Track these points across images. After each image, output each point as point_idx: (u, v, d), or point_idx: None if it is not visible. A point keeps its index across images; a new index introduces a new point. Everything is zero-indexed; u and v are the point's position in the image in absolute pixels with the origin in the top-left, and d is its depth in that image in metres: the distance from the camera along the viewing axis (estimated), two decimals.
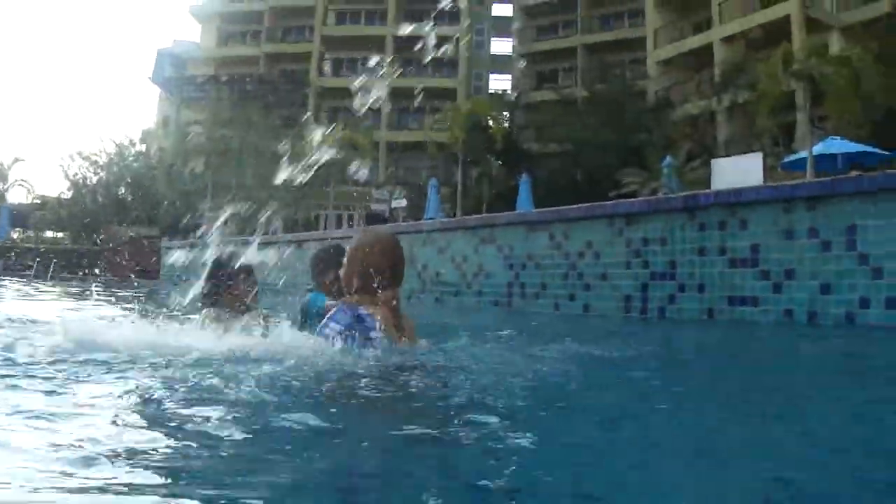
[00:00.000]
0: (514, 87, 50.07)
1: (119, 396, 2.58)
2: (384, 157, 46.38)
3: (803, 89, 21.10)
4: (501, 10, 53.65)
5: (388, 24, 50.65)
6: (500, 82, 53.95)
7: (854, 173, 15.27)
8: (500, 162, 39.46)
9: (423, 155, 47.17)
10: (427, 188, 32.19)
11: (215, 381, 2.74)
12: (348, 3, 52.28)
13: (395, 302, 3.86)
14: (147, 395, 2.63)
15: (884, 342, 6.62)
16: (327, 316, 3.65)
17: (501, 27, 52.73)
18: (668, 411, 2.79)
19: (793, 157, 21.05)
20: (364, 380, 2.98)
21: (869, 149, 19.36)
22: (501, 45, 53.75)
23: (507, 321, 9.57)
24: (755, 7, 39.27)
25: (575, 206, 10.52)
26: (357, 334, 3.51)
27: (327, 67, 52.24)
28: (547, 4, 50.50)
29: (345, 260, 3.96)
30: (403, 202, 37.79)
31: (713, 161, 19.40)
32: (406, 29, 47.05)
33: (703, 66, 39.44)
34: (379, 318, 3.63)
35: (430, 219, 28.61)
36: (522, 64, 50.36)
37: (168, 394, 2.61)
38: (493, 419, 2.27)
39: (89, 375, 2.98)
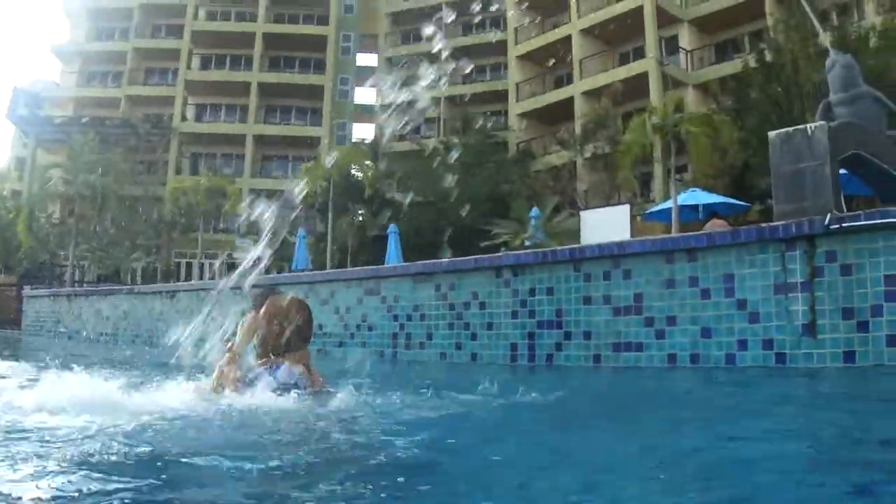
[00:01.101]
0: (377, 137, 50.57)
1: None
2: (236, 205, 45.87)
3: (667, 144, 22.22)
4: (366, 60, 54.21)
5: (254, 70, 50.27)
6: (363, 131, 54.39)
7: (719, 222, 16.20)
8: (362, 211, 39.46)
9: None
10: (290, 238, 31.91)
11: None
12: (213, 48, 51.54)
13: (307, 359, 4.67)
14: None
15: (759, 380, 7.10)
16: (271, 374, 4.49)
17: (366, 77, 53.25)
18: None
19: (655, 208, 22.11)
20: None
21: (727, 200, 20.51)
22: (365, 95, 54.22)
23: (393, 371, 9.68)
24: (614, 64, 41.27)
25: (462, 258, 10.67)
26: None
27: (190, 112, 51.19)
28: (410, 58, 51.46)
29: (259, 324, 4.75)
30: (267, 251, 37.36)
31: (582, 213, 20.15)
32: (270, 77, 46.86)
33: (565, 118, 40.96)
34: (301, 374, 4.53)
35: (298, 269, 28.39)
36: (385, 115, 51.01)
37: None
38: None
39: None
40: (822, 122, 7.94)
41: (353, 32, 52.10)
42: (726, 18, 38.31)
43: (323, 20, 51.61)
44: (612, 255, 8.86)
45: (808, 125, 7.93)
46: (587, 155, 36.07)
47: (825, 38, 12.64)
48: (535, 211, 25.36)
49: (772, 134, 8.21)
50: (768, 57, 24.24)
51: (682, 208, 21.06)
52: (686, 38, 39.76)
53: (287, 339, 4.76)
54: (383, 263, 26.44)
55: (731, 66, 35.69)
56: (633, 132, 19.59)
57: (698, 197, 21.66)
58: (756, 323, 7.56)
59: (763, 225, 7.82)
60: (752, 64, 25.74)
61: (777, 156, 8.04)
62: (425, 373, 9.18)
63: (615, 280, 8.73)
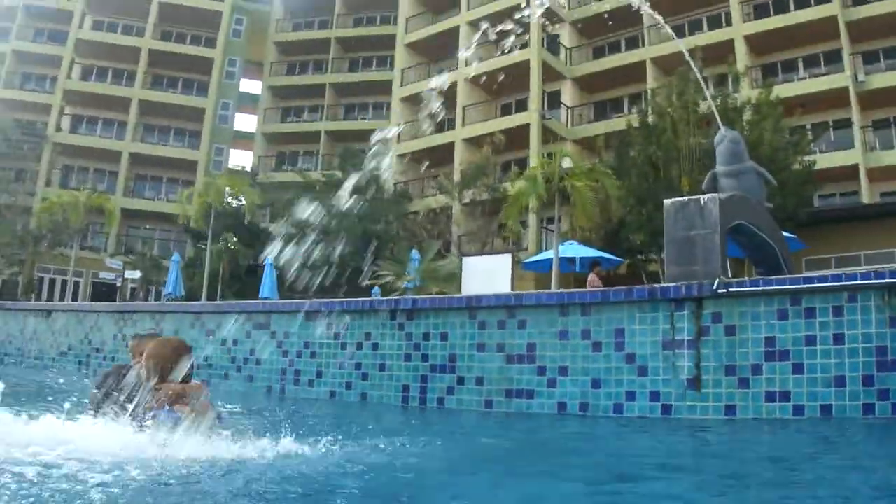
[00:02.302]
0: (254, 165, 49.83)
1: None
2: (117, 224, 44.07)
3: (552, 196, 22.83)
4: (250, 87, 53.49)
5: (136, 86, 48.83)
6: (241, 158, 53.51)
7: (596, 280, 16.83)
8: (235, 239, 38.69)
9: (160, 225, 45.62)
10: (161, 261, 31.14)
11: None
12: (96, 59, 49.79)
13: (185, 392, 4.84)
14: None
15: (647, 429, 7.47)
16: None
17: (248, 103, 52.51)
18: None
19: (534, 258, 22.70)
20: None
21: (602, 254, 21.28)
22: (246, 122, 53.42)
23: (281, 406, 9.61)
24: (496, 114, 42.24)
25: (357, 299, 10.76)
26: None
27: (66, 123, 49.12)
28: (295, 87, 51.17)
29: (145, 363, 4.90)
30: (137, 274, 36.19)
31: (464, 259, 20.47)
32: (152, 95, 45.57)
33: (445, 162, 41.45)
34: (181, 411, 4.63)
35: (170, 294, 27.64)
36: (264, 143, 50.44)
37: None
38: None
39: None
40: (714, 195, 8.48)
41: (239, 58, 51.37)
42: (607, 79, 39.96)
43: (210, 42, 50.72)
44: (507, 305, 9.13)
45: (701, 196, 8.45)
46: (465, 200, 36.53)
47: (716, 112, 13.48)
48: (415, 254, 25.58)
49: (667, 202, 8.69)
50: (650, 119, 25.40)
51: (560, 260, 21.71)
52: (568, 95, 41.11)
53: (166, 379, 4.87)
54: (257, 294, 26.08)
55: (605, 125, 37.33)
56: (528, 182, 20.07)
57: (575, 249, 22.39)
58: (644, 376, 7.97)
59: (655, 285, 8.28)
60: (635, 124, 26.86)
61: (671, 222, 8.51)
62: (318, 411, 9.19)
63: (510, 329, 9.00)
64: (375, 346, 10.01)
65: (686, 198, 8.64)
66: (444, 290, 21.07)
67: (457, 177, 38.06)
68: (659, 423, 7.67)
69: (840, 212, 27.49)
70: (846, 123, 32.13)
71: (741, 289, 7.62)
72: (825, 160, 27.65)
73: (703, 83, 15.01)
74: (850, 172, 30.58)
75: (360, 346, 10.14)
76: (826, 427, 6.83)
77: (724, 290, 7.60)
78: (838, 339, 7.08)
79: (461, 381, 9.24)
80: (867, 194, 30.56)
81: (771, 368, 7.32)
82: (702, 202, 8.30)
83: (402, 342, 9.80)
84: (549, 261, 22.38)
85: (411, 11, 46.58)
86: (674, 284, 8.05)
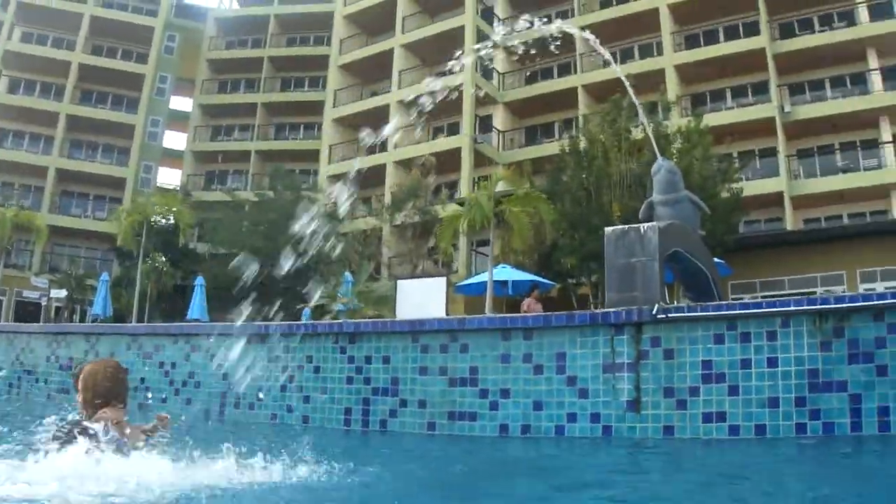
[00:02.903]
0: (183, 184, 49.12)
1: None
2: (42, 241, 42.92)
3: (489, 223, 23.01)
4: (180, 105, 52.75)
5: (65, 101, 47.76)
6: (169, 176, 52.71)
7: (534, 304, 17.08)
8: (163, 258, 38.00)
9: (87, 243, 44.65)
10: (86, 280, 30.46)
11: None
12: (24, 72, 48.57)
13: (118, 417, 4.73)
14: None
15: (586, 449, 7.73)
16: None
17: (177, 121, 51.78)
18: None
19: (467, 282, 22.90)
20: None
21: (535, 278, 21.57)
22: (175, 139, 52.64)
23: (222, 431, 9.52)
24: (427, 136, 42.47)
25: (298, 322, 10.76)
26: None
27: None
28: (227, 106, 50.69)
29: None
30: (63, 293, 35.36)
31: (399, 282, 20.59)
32: (81, 110, 44.60)
33: (376, 184, 41.52)
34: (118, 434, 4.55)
35: (98, 314, 27.05)
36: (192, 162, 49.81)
37: None
38: None
39: None
40: (654, 224, 8.75)
41: (170, 74, 50.64)
42: (539, 105, 40.63)
43: (142, 58, 49.87)
44: (450, 329, 9.24)
45: (641, 225, 8.71)
46: (396, 223, 36.62)
47: (652, 141, 13.95)
48: (348, 276, 25.54)
49: (608, 230, 8.94)
50: (582, 145, 25.89)
51: (495, 283, 21.92)
52: (500, 119, 41.65)
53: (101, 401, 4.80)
54: (185, 314, 25.74)
55: (537, 150, 37.91)
56: (470, 205, 20.23)
57: (508, 273, 22.66)
58: (585, 398, 8.16)
59: (596, 311, 8.50)
60: (567, 149, 27.30)
61: (612, 250, 8.75)
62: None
63: (452, 353, 9.11)
64: (317, 370, 10.00)
65: (626, 226, 8.89)
66: (378, 313, 21.09)
67: (388, 199, 38.18)
68: (600, 443, 7.85)
69: (765, 238, 28.41)
70: (772, 152, 33.28)
71: (679, 314, 7.87)
72: (752, 188, 28.54)
73: (640, 110, 15.34)
74: (776, 200, 31.65)
75: (301, 369, 10.12)
76: (756, 446, 7.11)
77: (664, 316, 7.84)
78: (772, 362, 7.37)
79: (404, 403, 9.29)
80: (791, 221, 31.65)
81: (708, 390, 7.57)
82: (642, 230, 8.56)
83: (344, 365, 9.82)
84: (482, 284, 22.61)
85: (346, 33, 46.70)
86: (614, 310, 8.26)
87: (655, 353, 7.91)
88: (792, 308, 7.43)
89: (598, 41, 11.80)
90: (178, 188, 47.50)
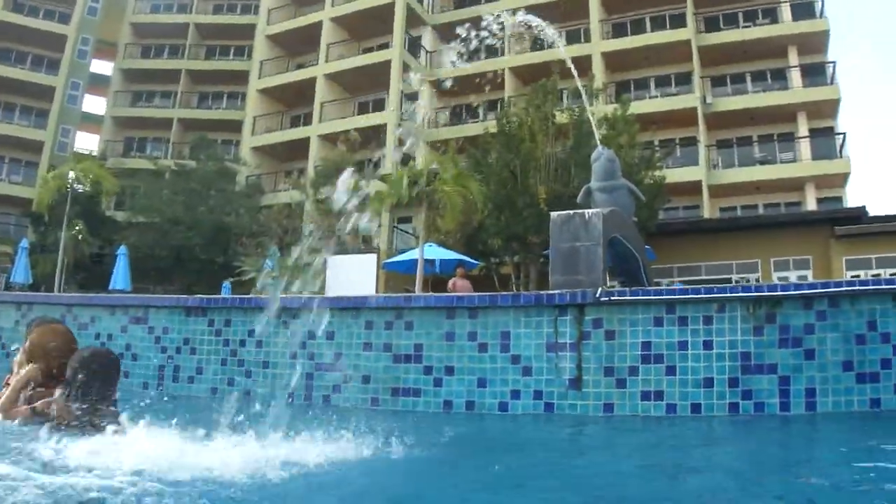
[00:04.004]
0: (102, 149, 47.81)
1: None
2: None
3: (420, 200, 23.02)
4: (101, 68, 51.14)
5: None
6: (87, 141, 51.17)
7: (461, 282, 17.35)
8: (79, 227, 37.07)
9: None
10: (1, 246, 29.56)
11: None
12: None
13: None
14: None
15: (527, 424, 8.05)
16: None
17: (97, 85, 50.22)
18: None
19: (395, 259, 23.02)
20: None
21: (461, 257, 21.82)
22: (95, 104, 51.10)
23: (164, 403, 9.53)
24: (353, 112, 42.33)
25: (244, 296, 10.76)
26: None
27: None
28: (149, 72, 49.49)
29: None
30: None
31: (329, 258, 20.49)
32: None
33: (299, 158, 41.26)
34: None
35: (16, 281, 26.27)
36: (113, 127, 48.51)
37: None
38: None
39: None
40: (598, 210, 9.09)
41: (92, 36, 48.95)
42: (465, 85, 40.84)
43: (65, 18, 48.06)
44: (396, 307, 9.42)
45: (586, 211, 9.04)
46: (320, 197, 36.42)
47: (595, 129, 14.37)
48: (272, 250, 25.41)
49: (554, 215, 9.23)
50: (508, 127, 26.14)
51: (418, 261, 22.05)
52: (426, 97, 41.78)
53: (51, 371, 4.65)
54: (108, 284, 25.26)
55: (461, 130, 38.18)
56: (393, 183, 20.31)
57: (435, 251, 22.87)
58: (528, 376, 8.45)
59: (541, 292, 8.77)
60: (492, 131, 27.54)
61: (557, 234, 9.05)
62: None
63: (397, 330, 9.29)
64: (259, 344, 10.06)
65: (572, 212, 9.19)
66: (309, 289, 21.00)
67: (312, 173, 37.98)
68: (542, 419, 8.16)
69: (683, 224, 29.27)
70: (692, 142, 34.25)
71: (621, 297, 8.21)
72: (672, 175, 29.30)
73: (584, 95, 15.70)
74: (694, 188, 32.62)
75: (243, 343, 10.17)
76: (692, 423, 7.53)
77: (606, 298, 8.17)
78: (708, 345, 7.78)
79: (347, 379, 9.44)
80: (708, 209, 32.73)
81: (647, 370, 7.94)
82: (587, 216, 8.88)
83: (286, 339, 9.90)
84: (409, 262, 22.77)
85: (274, 3, 46.13)
86: (558, 292, 8.56)
87: (597, 334, 8.24)
88: (728, 294, 7.85)
89: (548, 26, 12.00)
90: (97, 153, 46.19)
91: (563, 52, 13.68)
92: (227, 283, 27.51)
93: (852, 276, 24.33)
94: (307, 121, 42.95)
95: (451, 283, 18.52)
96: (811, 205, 32.81)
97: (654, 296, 8.17)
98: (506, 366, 8.61)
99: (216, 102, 49.99)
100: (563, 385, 8.28)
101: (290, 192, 38.61)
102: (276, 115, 45.10)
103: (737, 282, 26.75)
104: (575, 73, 14.33)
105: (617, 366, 8.10)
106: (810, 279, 25.47)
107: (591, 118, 17.32)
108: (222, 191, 39.33)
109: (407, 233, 34.25)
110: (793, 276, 26.02)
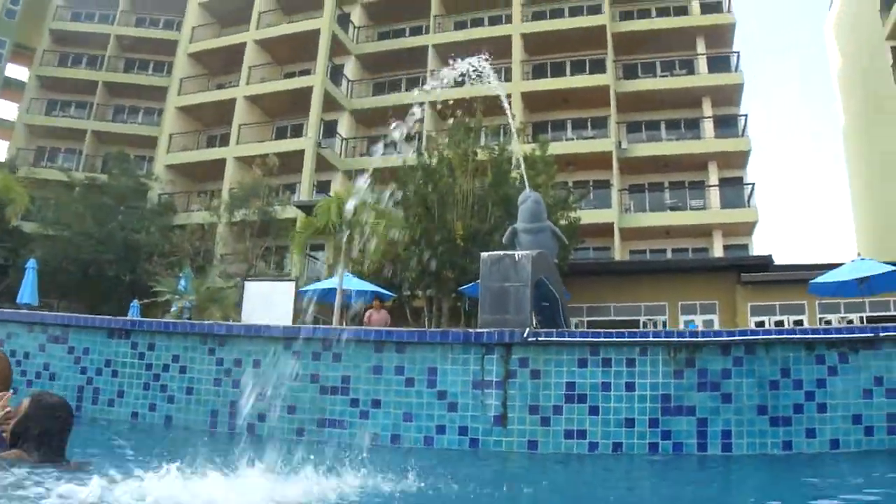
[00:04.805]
0: (11, 157, 46.11)
1: None
2: None
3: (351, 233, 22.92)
4: (15, 73, 49.49)
5: None
6: None
7: (376, 303, 17.48)
8: None
9: None
10: None
11: None
12: None
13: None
14: None
15: (453, 459, 8.13)
16: None
17: (11, 90, 48.57)
18: None
19: (310, 287, 22.93)
20: None
21: (378, 289, 21.88)
22: (5, 109, 49.41)
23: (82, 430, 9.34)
24: (271, 136, 42.11)
25: (169, 321, 10.68)
26: None
27: None
28: (66, 80, 48.16)
29: None
30: None
31: (246, 283, 20.42)
32: None
33: (214, 178, 40.76)
34: None
35: None
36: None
37: None
38: None
39: None
40: (527, 252, 9.39)
41: (8, 39, 47.32)
42: (385, 115, 41.06)
43: None
44: (325, 338, 9.51)
45: (515, 253, 9.35)
46: (235, 220, 35.99)
47: (524, 171, 14.78)
48: (186, 271, 25.03)
49: (484, 255, 9.50)
50: (428, 161, 26.39)
51: (333, 290, 21.95)
52: (345, 126, 41.86)
53: None
54: (14, 298, 24.47)
55: (378, 160, 38.28)
56: (322, 212, 20.26)
57: (349, 282, 22.84)
58: (454, 412, 8.66)
59: (469, 330, 9.00)
60: (411, 164, 27.74)
61: (487, 273, 9.31)
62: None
63: (325, 361, 9.38)
64: (183, 370, 10.00)
65: (502, 252, 9.48)
66: (226, 314, 20.83)
67: (225, 195, 37.55)
68: (467, 455, 8.34)
69: (595, 265, 29.99)
70: (606, 185, 35.21)
71: (548, 338, 8.51)
72: (586, 217, 29.95)
73: (514, 132, 16.06)
74: (606, 230, 33.49)
75: (166, 368, 10.09)
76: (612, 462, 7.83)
77: (534, 339, 8.45)
78: (630, 386, 8.14)
79: (273, 408, 9.47)
80: (619, 251, 33.62)
81: (570, 409, 8.24)
82: (516, 258, 9.18)
83: (212, 367, 9.87)
84: (325, 290, 22.67)
85: (198, 20, 45.63)
86: (487, 330, 8.80)
87: (523, 373, 8.51)
88: (650, 339, 8.24)
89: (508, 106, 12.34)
90: (6, 161, 44.59)
91: (501, 91, 13.97)
92: (135, 303, 26.93)
93: (757, 322, 25.39)
94: (224, 142, 42.46)
95: (367, 315, 18.62)
96: (718, 251, 34.09)
97: (580, 338, 8.51)
98: (432, 401, 8.80)
99: (132, 117, 48.89)
100: (488, 422, 8.50)
101: (203, 212, 38.02)
102: (192, 133, 44.46)
103: (644, 324, 27.54)
104: (509, 112, 14.72)
105: (542, 404, 8.38)
106: (716, 323, 26.44)
107: (520, 160, 17.76)
108: (134, 207, 38.55)
109: (317, 259, 34.12)
110: (699, 319, 26.94)
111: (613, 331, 8.59)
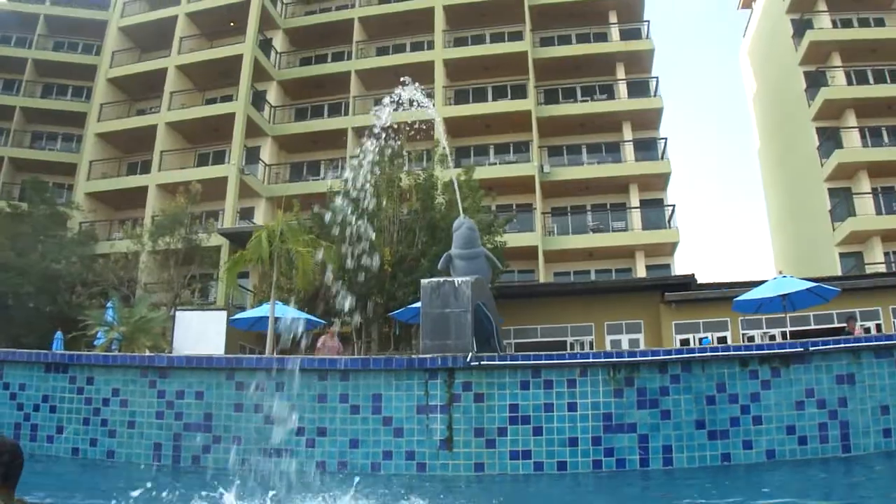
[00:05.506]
0: None
1: None
2: None
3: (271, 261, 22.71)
4: None
5: None
6: None
7: (329, 330, 17.48)
8: None
9: None
10: None
11: None
12: None
13: None
14: None
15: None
16: None
17: None
18: None
19: (242, 315, 22.74)
20: None
21: (308, 316, 21.82)
22: None
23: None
24: (193, 163, 41.56)
25: (107, 354, 10.60)
26: None
27: None
28: None
29: None
30: None
31: (178, 313, 20.17)
32: None
33: (136, 206, 40.02)
34: None
35: None
36: None
37: None
38: None
39: None
40: (467, 278, 9.64)
41: None
42: (308, 142, 41.15)
43: None
44: (268, 367, 9.59)
45: (456, 279, 9.59)
46: (158, 248, 35.34)
47: (458, 198, 15.07)
48: (111, 303, 24.51)
49: (424, 282, 9.73)
50: (353, 188, 26.28)
51: (264, 318, 21.77)
52: (267, 152, 41.58)
53: None
54: None
55: (301, 187, 38.30)
56: (253, 246, 20.07)
57: (280, 310, 22.72)
58: (400, 437, 8.85)
59: (413, 357, 9.20)
60: (337, 190, 27.72)
61: (427, 300, 9.54)
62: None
63: (269, 391, 9.46)
64: (124, 403, 9.95)
65: (441, 279, 9.71)
66: (156, 345, 20.52)
67: (147, 222, 36.93)
68: (414, 479, 8.52)
69: (520, 288, 30.38)
70: (529, 208, 35.77)
71: (490, 362, 8.77)
72: (510, 240, 30.25)
73: (450, 164, 16.29)
74: (530, 253, 33.97)
75: (106, 402, 10.02)
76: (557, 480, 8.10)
77: (476, 363, 8.70)
78: (572, 406, 8.46)
79: (217, 440, 9.49)
80: (543, 274, 34.13)
81: (515, 431, 8.51)
82: (457, 284, 9.43)
83: (154, 399, 9.85)
84: (255, 319, 22.49)
85: (118, 45, 44.80)
86: (430, 356, 9.02)
87: (467, 397, 8.75)
88: (590, 360, 8.59)
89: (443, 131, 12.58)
90: None
91: (436, 116, 14.28)
92: (59, 335, 26.28)
93: (682, 340, 26.09)
94: (145, 169, 41.70)
95: (320, 341, 18.61)
96: (641, 272, 34.89)
97: (522, 360, 8.79)
98: (378, 427, 8.98)
99: (51, 143, 47.55)
100: (434, 446, 8.71)
101: (125, 241, 37.22)
102: (113, 160, 43.56)
103: (572, 345, 28.00)
104: (443, 137, 15.02)
105: (486, 427, 8.63)
106: (642, 342, 27.07)
107: (454, 185, 17.98)
108: (54, 236, 37.57)
109: (244, 288, 33.75)
110: (625, 339, 27.56)
111: (555, 353, 8.91)
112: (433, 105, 13.75)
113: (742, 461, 8.23)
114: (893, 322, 25.67)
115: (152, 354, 11.44)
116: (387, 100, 11.93)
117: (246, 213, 39.52)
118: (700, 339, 24.92)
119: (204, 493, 5.99)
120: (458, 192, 16.20)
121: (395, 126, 25.99)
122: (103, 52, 45.06)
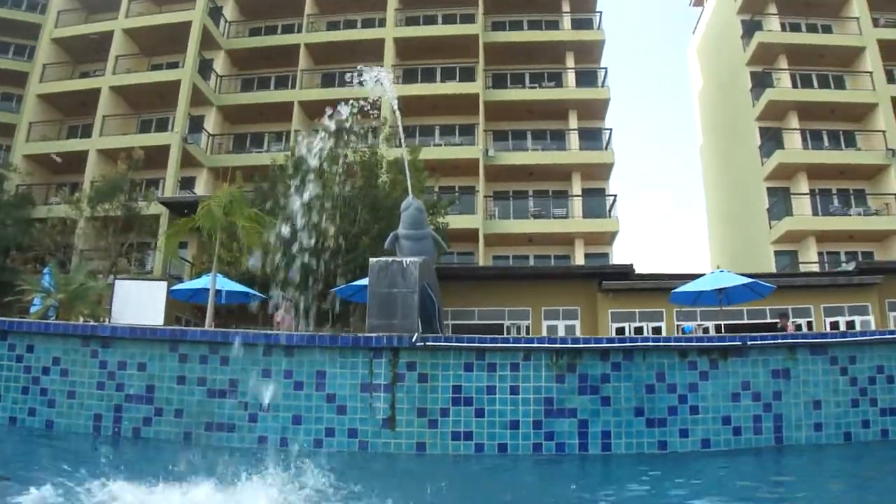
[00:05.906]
0: None
1: None
2: None
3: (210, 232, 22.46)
4: None
5: None
6: None
7: (286, 304, 17.37)
8: None
9: None
10: None
11: None
12: None
13: None
14: None
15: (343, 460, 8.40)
16: None
17: None
18: None
19: (181, 286, 22.53)
20: None
21: (248, 290, 21.71)
22: None
23: None
24: (136, 129, 40.83)
25: (48, 321, 10.47)
26: None
27: None
28: None
29: None
30: None
31: (118, 282, 19.83)
32: None
33: (75, 171, 39.20)
34: None
35: None
36: None
37: None
38: None
39: None
40: (415, 259, 9.74)
41: None
42: (253, 113, 40.71)
43: None
44: (212, 341, 9.59)
45: (404, 259, 9.69)
46: (97, 215, 34.66)
47: (409, 179, 15.11)
48: (47, 268, 24.02)
49: (372, 261, 9.81)
50: (296, 162, 26.17)
51: (203, 290, 21.58)
52: (211, 122, 41.06)
53: None
54: None
55: (245, 158, 38.00)
56: (203, 215, 19.74)
57: (221, 282, 22.57)
58: (343, 415, 8.95)
59: (359, 335, 9.29)
60: (280, 163, 27.57)
61: (375, 279, 9.63)
62: None
63: (212, 364, 9.47)
64: (65, 372, 9.86)
65: (390, 259, 9.82)
66: (93, 314, 20.18)
67: (87, 188, 36.19)
68: (356, 456, 8.64)
69: (460, 270, 30.55)
70: (472, 191, 35.97)
71: (436, 343, 8.91)
72: (452, 222, 30.35)
73: (402, 145, 16.30)
74: (471, 235, 34.21)
75: (46, 371, 9.92)
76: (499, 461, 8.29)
77: (421, 343, 8.83)
78: (514, 389, 8.66)
79: (159, 412, 9.47)
80: (482, 257, 34.41)
81: (457, 412, 8.68)
82: (405, 264, 9.54)
83: (95, 370, 9.77)
84: (195, 290, 22.30)
85: (64, 4, 43.64)
86: (375, 335, 9.13)
87: (411, 377, 8.89)
88: (534, 345, 8.77)
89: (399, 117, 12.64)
90: None
91: (392, 95, 14.30)
92: None
93: (617, 328, 26.58)
94: (87, 133, 40.84)
95: (278, 316, 18.56)
96: (580, 259, 35.41)
97: (467, 342, 8.94)
98: (321, 404, 9.06)
99: None
100: (376, 424, 8.84)
101: (63, 206, 36.43)
102: (53, 123, 42.61)
103: (508, 329, 28.32)
104: (398, 115, 15.11)
105: (429, 407, 8.78)
106: (578, 329, 27.51)
107: (405, 165, 17.96)
108: None
109: (184, 259, 33.33)
110: (561, 325, 27.98)
111: (499, 336, 9.09)
112: (393, 89, 13.73)
113: (678, 449, 8.54)
114: (825, 320, 26.52)
115: (95, 324, 11.32)
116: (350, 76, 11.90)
117: (187, 183, 39.03)
118: (682, 328, 25.33)
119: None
120: (408, 172, 16.17)
121: (347, 101, 26.10)
122: (48, 10, 43.86)
